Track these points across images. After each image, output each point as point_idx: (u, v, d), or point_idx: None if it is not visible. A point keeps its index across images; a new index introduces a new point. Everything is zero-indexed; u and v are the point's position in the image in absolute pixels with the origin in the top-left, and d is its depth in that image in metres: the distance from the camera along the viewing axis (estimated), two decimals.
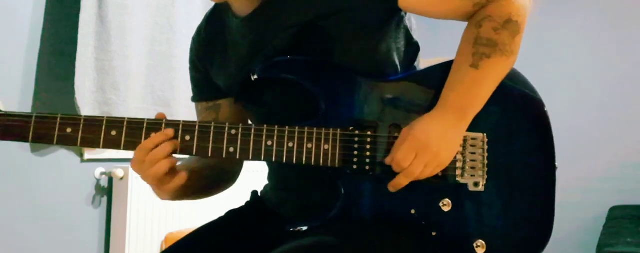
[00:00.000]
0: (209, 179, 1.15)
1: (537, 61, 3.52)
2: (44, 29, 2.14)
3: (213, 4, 1.15)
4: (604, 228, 3.00)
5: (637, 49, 3.59)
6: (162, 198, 1.07)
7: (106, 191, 2.39)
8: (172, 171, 0.97)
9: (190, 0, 2.66)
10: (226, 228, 1.15)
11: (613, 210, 3.30)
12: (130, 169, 2.32)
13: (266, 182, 1.23)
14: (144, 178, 0.99)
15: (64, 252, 2.24)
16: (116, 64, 2.28)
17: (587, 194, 3.49)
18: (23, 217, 2.10)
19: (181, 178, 0.97)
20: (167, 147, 0.95)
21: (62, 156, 2.24)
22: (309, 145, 0.97)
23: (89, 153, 2.32)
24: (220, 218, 1.18)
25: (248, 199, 1.24)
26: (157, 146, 0.95)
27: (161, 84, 2.50)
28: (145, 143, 0.95)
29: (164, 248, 2.42)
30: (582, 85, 3.64)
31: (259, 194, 1.24)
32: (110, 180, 2.39)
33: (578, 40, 3.72)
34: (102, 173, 2.36)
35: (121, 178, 2.33)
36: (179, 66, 2.54)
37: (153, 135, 0.96)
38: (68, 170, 2.26)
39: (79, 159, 2.31)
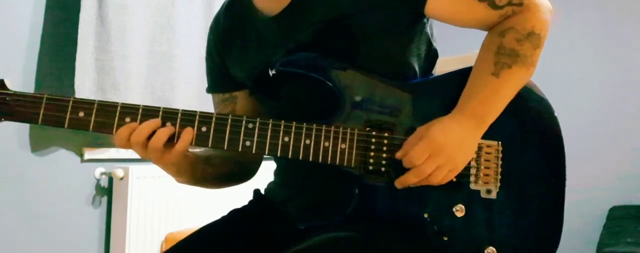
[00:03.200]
0: (224, 167, 1.14)
1: (539, 61, 3.52)
2: (44, 29, 2.14)
3: (213, 6, 1.15)
4: (604, 228, 3.00)
5: (638, 49, 3.58)
6: (178, 180, 1.08)
7: (106, 191, 2.39)
8: (172, 145, 0.97)
9: (190, 0, 2.66)
10: (229, 227, 1.15)
11: (613, 210, 3.30)
12: (131, 169, 2.32)
13: (268, 180, 1.23)
14: (144, 157, 0.98)
15: (64, 252, 2.23)
16: (116, 64, 2.28)
17: (587, 194, 3.49)
18: (23, 217, 2.10)
19: (184, 140, 0.95)
20: (146, 127, 0.94)
21: (62, 156, 2.24)
22: (326, 143, 0.97)
23: (89, 153, 2.32)
24: (223, 218, 1.18)
25: (251, 198, 1.24)
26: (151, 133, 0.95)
27: (161, 84, 2.50)
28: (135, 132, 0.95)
29: (164, 248, 2.42)
30: (583, 86, 3.64)
31: (262, 192, 1.23)
32: (110, 180, 2.39)
33: (582, 40, 3.72)
34: (102, 173, 2.35)
35: (121, 178, 2.33)
36: (179, 66, 2.54)
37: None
38: (68, 170, 2.26)
39: (79, 159, 2.31)
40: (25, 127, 2.11)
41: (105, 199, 2.39)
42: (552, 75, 3.60)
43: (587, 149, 3.52)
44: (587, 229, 3.31)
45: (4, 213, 2.04)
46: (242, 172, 1.20)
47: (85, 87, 2.19)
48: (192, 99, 2.53)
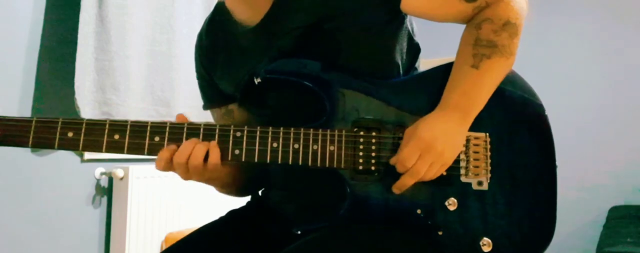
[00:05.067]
0: (251, 171, 1.16)
1: (538, 61, 3.53)
2: (44, 29, 2.15)
3: (213, 6, 1.16)
4: (604, 228, 3.00)
5: (638, 49, 3.59)
6: (221, 191, 1.15)
7: (106, 191, 2.39)
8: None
9: (190, 0, 2.66)
10: (227, 228, 1.16)
11: (613, 210, 3.30)
12: (131, 169, 2.33)
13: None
14: (186, 179, 1.00)
15: (64, 252, 2.24)
16: (116, 64, 2.28)
17: (587, 194, 3.49)
18: (23, 217, 2.10)
19: (214, 155, 0.96)
20: (187, 147, 0.95)
21: (62, 156, 2.24)
22: (315, 147, 0.97)
23: (89, 153, 2.32)
24: (221, 219, 1.19)
25: (249, 200, 1.24)
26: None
27: (161, 84, 2.50)
28: (161, 155, 0.96)
29: (164, 248, 2.42)
30: (583, 86, 3.64)
31: (260, 194, 1.24)
32: (110, 180, 2.39)
33: (579, 39, 3.72)
34: (102, 174, 2.36)
35: (121, 178, 2.33)
36: (179, 66, 2.55)
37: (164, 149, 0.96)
38: (68, 170, 2.27)
39: (79, 159, 2.31)
40: None
41: (105, 199, 2.39)
42: (552, 75, 3.61)
43: (587, 149, 3.52)
44: (587, 229, 3.32)
45: (4, 213, 2.04)
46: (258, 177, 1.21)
47: (85, 87, 2.19)
48: (192, 99, 2.53)
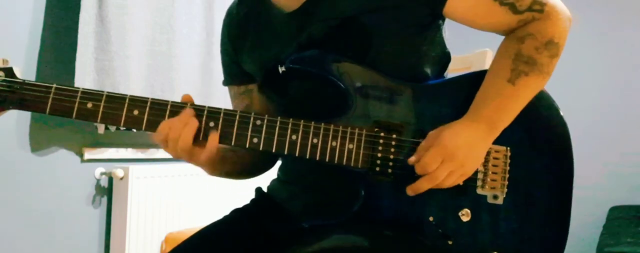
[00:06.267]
0: (247, 157, 1.14)
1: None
2: (44, 29, 2.14)
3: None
4: (604, 228, 3.00)
5: (639, 49, 3.59)
6: (213, 174, 1.10)
7: (106, 191, 2.39)
8: (201, 143, 0.95)
9: (190, 0, 2.65)
10: (231, 227, 1.15)
11: (613, 210, 3.30)
12: (131, 169, 2.32)
13: (270, 177, 1.22)
14: (176, 156, 0.97)
15: (64, 252, 2.23)
16: (116, 64, 2.28)
17: (587, 194, 3.49)
18: (23, 217, 2.10)
19: (212, 141, 0.94)
20: (178, 124, 0.93)
21: (62, 156, 2.24)
22: (333, 143, 0.96)
23: (89, 153, 2.32)
24: (225, 218, 1.18)
25: (252, 196, 1.23)
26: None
27: (161, 84, 2.50)
28: (161, 128, 0.93)
29: (164, 248, 2.42)
30: (583, 85, 3.64)
31: (264, 189, 1.23)
32: (110, 180, 2.39)
33: (583, 39, 3.72)
34: (102, 173, 2.35)
35: (121, 178, 2.33)
36: (179, 66, 2.54)
37: (168, 120, 0.94)
38: (68, 170, 2.26)
39: (79, 159, 2.31)
40: (26, 127, 2.11)
41: (105, 199, 2.39)
42: (552, 75, 3.60)
43: (587, 149, 3.51)
44: (587, 229, 3.31)
45: (4, 213, 2.04)
46: (264, 161, 1.20)
47: (85, 87, 2.19)
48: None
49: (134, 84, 2.37)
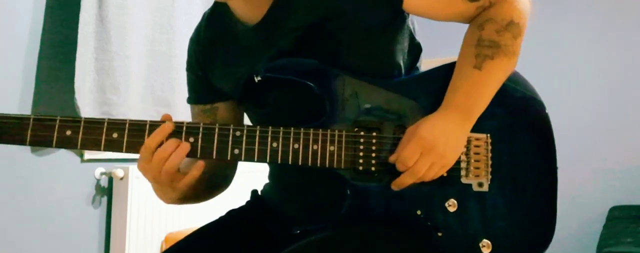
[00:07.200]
0: (205, 182, 1.13)
1: (538, 62, 3.52)
2: (44, 29, 2.14)
3: (211, 3, 1.15)
4: (604, 228, 3.00)
5: (638, 48, 3.59)
6: (168, 200, 1.05)
7: (106, 191, 2.39)
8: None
9: (190, 0, 2.66)
10: (227, 228, 1.15)
11: (613, 210, 3.30)
12: (131, 169, 2.32)
13: (266, 181, 1.23)
14: (153, 177, 0.96)
15: (64, 252, 2.24)
16: (116, 64, 2.28)
17: (587, 194, 3.49)
18: (23, 217, 2.10)
19: (198, 167, 0.95)
20: (172, 143, 0.93)
21: (62, 156, 2.24)
22: (315, 147, 0.97)
23: (89, 153, 2.32)
24: (221, 218, 1.18)
25: (248, 199, 1.24)
26: (161, 144, 0.93)
27: (161, 84, 2.50)
28: (149, 141, 0.93)
29: (164, 248, 2.42)
30: (582, 86, 3.64)
31: (260, 193, 1.23)
32: (110, 180, 2.39)
33: (580, 39, 3.72)
34: (102, 173, 2.36)
35: (121, 178, 2.33)
36: (179, 66, 2.54)
37: (154, 132, 0.94)
38: (68, 170, 2.26)
39: (79, 159, 2.31)
40: None
41: (105, 199, 2.39)
42: (552, 75, 3.61)
43: (587, 149, 3.52)
44: (587, 229, 3.32)
45: (4, 213, 2.04)
46: (218, 183, 1.19)
47: (85, 87, 2.19)
48: None
49: (134, 84, 2.37)
